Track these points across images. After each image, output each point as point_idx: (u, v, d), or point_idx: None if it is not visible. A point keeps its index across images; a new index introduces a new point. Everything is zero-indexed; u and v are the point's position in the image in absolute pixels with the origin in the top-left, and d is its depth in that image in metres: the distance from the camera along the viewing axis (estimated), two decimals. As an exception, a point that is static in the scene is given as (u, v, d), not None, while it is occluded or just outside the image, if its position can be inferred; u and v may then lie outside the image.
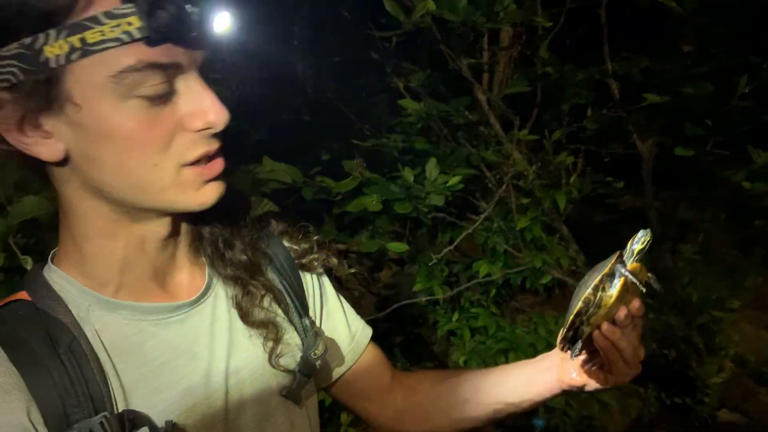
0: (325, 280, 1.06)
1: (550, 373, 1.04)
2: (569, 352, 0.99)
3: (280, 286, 0.95)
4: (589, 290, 0.94)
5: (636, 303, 0.94)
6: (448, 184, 2.28)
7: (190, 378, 0.82)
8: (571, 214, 4.11)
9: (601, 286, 0.94)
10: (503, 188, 2.83)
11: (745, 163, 2.29)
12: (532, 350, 2.94)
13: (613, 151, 3.80)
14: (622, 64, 3.18)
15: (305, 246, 1.00)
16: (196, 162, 0.77)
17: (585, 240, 3.97)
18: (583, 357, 1.01)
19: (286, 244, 1.00)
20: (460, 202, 3.48)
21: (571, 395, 3.00)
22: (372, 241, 2.55)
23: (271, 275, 0.95)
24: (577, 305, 0.94)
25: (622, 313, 0.92)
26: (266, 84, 3.19)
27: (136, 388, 0.78)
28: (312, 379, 0.94)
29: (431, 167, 2.30)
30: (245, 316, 0.89)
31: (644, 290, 0.94)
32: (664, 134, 3.31)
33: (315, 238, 1.02)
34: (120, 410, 0.74)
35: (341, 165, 2.55)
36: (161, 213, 0.80)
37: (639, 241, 0.94)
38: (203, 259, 0.92)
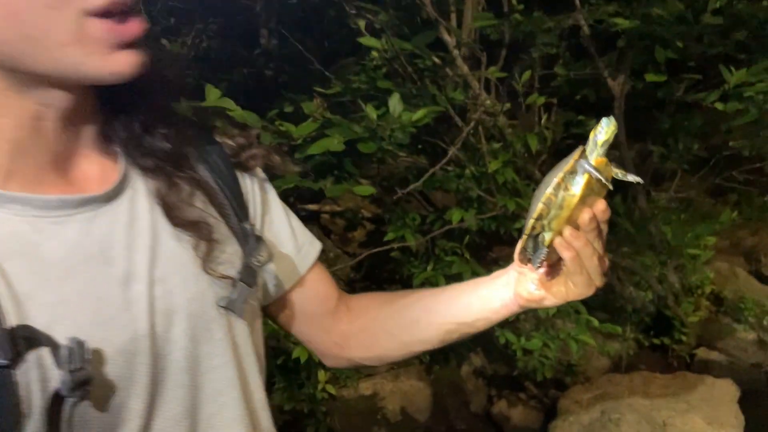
0: (268, 185, 0.95)
1: (507, 289, 0.94)
2: (530, 264, 0.91)
3: (214, 185, 0.83)
4: (550, 190, 0.84)
5: (601, 204, 0.85)
6: (413, 119, 2.18)
7: (104, 287, 0.70)
8: (547, 161, 4.06)
9: (563, 185, 0.85)
10: (470, 127, 2.73)
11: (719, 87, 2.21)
12: (508, 294, 2.88)
13: (585, 94, 3.74)
14: (592, 11, 3.08)
15: (241, 141, 0.89)
16: (106, 15, 0.63)
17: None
18: (543, 269, 0.93)
19: (220, 139, 0.88)
20: (431, 149, 3.39)
21: (548, 337, 2.96)
22: (337, 186, 2.44)
23: (203, 171, 0.83)
24: (538, 207, 0.85)
25: (586, 215, 0.83)
26: (226, 35, 3.04)
27: (33, 298, 0.64)
28: (255, 290, 0.83)
29: (394, 103, 2.19)
30: (172, 215, 0.77)
31: (611, 187, 0.85)
32: (635, 71, 3.23)
33: (255, 132, 0.91)
34: (12, 325, 0.61)
35: (304, 114, 2.43)
36: (61, 82, 0.66)
37: (603, 131, 0.84)
38: (117, 148, 0.78)
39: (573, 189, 0.84)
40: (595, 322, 2.99)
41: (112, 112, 0.77)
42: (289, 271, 0.95)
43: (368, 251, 3.22)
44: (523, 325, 3.06)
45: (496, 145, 3.25)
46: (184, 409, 0.74)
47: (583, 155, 0.86)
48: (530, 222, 0.87)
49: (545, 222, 0.86)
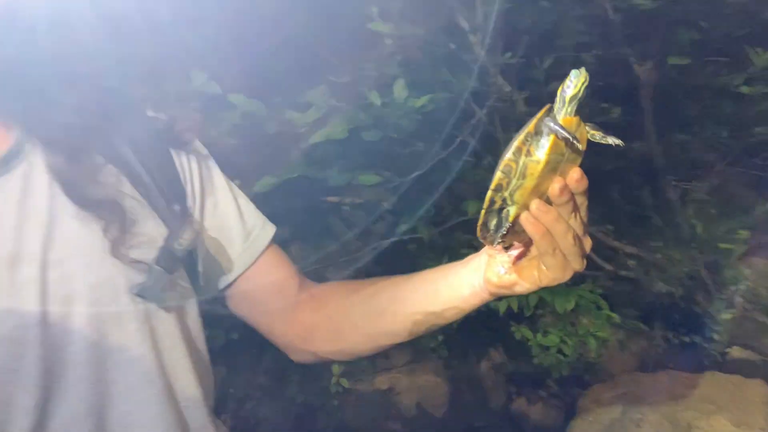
0: (212, 164, 0.89)
1: (477, 275, 0.85)
2: (495, 243, 0.82)
3: (135, 162, 0.77)
4: (509, 155, 0.75)
5: (575, 172, 0.75)
6: (416, 106, 2.09)
7: None
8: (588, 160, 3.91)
9: (525, 149, 0.75)
10: (481, 114, 2.63)
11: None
12: (524, 288, 2.79)
13: (610, 81, 3.58)
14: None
15: (173, 114, 0.83)
16: None
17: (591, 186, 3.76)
18: (517, 251, 0.84)
19: (153, 114, 0.83)
20: (446, 138, 3.29)
21: (566, 333, 2.85)
22: (342, 174, 2.38)
23: (123, 148, 0.77)
24: (496, 176, 0.76)
25: (556, 185, 0.74)
26: (232, 20, 2.99)
27: None
28: (177, 276, 0.76)
29: (399, 88, 2.12)
30: (74, 193, 0.70)
31: (582, 148, 0.76)
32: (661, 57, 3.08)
33: (193, 108, 0.85)
34: None
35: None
36: None
37: (571, 85, 0.74)
38: (13, 118, 0.72)
39: (537, 154, 0.74)
40: (617, 318, 2.87)
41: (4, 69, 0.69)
42: (237, 258, 0.89)
43: (376, 245, 3.16)
44: (540, 320, 2.96)
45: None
46: (88, 407, 0.68)
47: (549, 114, 0.75)
48: (488, 194, 0.78)
49: (506, 194, 0.76)
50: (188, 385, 0.78)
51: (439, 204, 3.34)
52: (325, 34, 2.86)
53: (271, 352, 3.35)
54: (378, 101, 2.16)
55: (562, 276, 0.79)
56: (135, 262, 0.72)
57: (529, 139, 0.76)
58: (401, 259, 3.73)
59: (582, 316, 2.94)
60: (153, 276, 0.73)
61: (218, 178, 0.89)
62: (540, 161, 0.75)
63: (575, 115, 0.75)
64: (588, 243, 0.80)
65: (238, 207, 0.90)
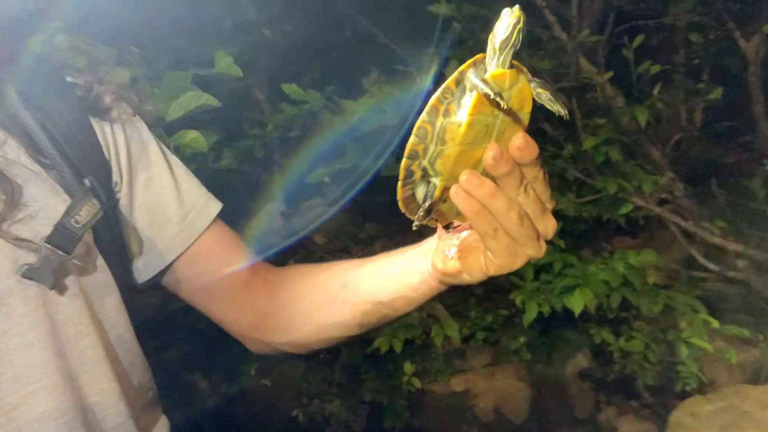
0: (147, 137, 0.82)
1: (427, 259, 0.74)
2: (431, 220, 0.69)
3: (37, 129, 0.70)
4: (424, 116, 0.61)
5: (518, 138, 0.61)
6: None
7: None
8: (685, 148, 3.57)
9: (443, 108, 0.61)
10: (554, 90, 2.42)
11: None
12: (605, 287, 2.55)
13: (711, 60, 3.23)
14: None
15: (88, 78, 0.76)
16: None
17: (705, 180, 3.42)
18: (467, 231, 0.71)
19: (71, 79, 0.77)
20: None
21: (652, 338, 2.58)
22: (395, 166, 2.28)
23: (23, 113, 0.70)
24: (410, 141, 0.63)
25: (489, 152, 0.61)
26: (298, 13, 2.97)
27: None
28: (72, 256, 0.68)
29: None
30: None
31: (520, 108, 0.60)
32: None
33: (109, 69, 0.78)
34: None
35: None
36: None
37: (502, 27, 0.59)
38: None
39: (457, 114, 0.61)
40: (715, 323, 2.56)
41: None
42: (173, 239, 0.82)
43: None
44: (624, 322, 2.70)
45: (600, 121, 2.90)
46: None
47: (476, 65, 0.61)
48: (402, 161, 0.64)
49: (425, 162, 0.63)
50: (101, 378, 0.70)
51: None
52: (381, 18, 2.77)
53: (349, 349, 3.32)
54: (431, 86, 2.03)
55: (512, 263, 0.65)
56: (21, 240, 0.66)
57: (448, 95, 0.61)
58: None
59: (675, 320, 2.65)
60: (42, 256, 0.65)
61: (155, 152, 0.82)
62: (461, 124, 0.61)
63: (511, 67, 0.61)
64: (550, 223, 0.65)
65: (176, 183, 0.83)
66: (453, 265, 0.69)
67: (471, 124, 0.61)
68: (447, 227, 0.72)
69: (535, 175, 0.63)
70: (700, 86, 2.79)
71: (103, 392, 0.71)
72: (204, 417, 2.98)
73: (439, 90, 0.61)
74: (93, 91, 0.76)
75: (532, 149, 0.61)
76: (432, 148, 0.63)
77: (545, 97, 0.62)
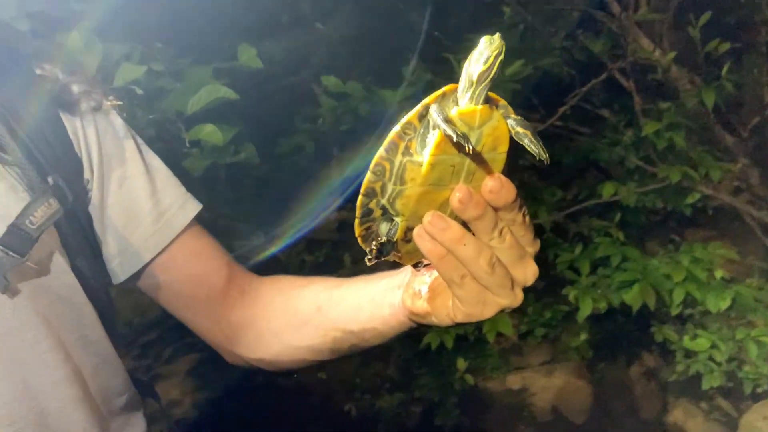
0: (122, 132, 0.79)
1: (398, 293, 0.68)
2: (395, 259, 0.63)
3: None
4: (382, 151, 0.56)
5: (492, 179, 0.55)
6: (508, 73, 1.86)
7: None
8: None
9: (403, 144, 0.55)
10: (598, 80, 2.29)
11: None
12: (666, 282, 2.39)
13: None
14: None
15: (57, 73, 0.74)
16: None
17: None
18: (424, 270, 0.64)
19: (40, 71, 0.74)
20: (579, 113, 2.94)
21: (719, 336, 2.40)
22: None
23: None
24: (366, 177, 0.57)
25: (457, 194, 0.54)
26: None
27: None
28: (27, 258, 0.65)
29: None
30: None
31: (469, 149, 0.52)
32: None
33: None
34: None
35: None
36: None
37: (481, 57, 0.54)
38: None
39: (420, 152, 0.55)
40: (791, 322, 2.35)
41: None
42: (146, 241, 0.78)
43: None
44: (689, 320, 2.53)
45: (663, 105, 2.72)
46: None
47: (444, 98, 0.55)
48: (359, 199, 0.59)
49: (384, 201, 0.58)
50: (60, 383, 0.68)
51: (566, 186, 3.01)
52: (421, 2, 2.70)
53: (402, 344, 3.28)
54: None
55: (481, 312, 0.59)
56: None
57: (409, 131, 0.55)
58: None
59: (744, 317, 2.46)
60: None
61: (130, 149, 0.79)
62: (422, 164, 0.55)
63: (487, 101, 0.55)
64: (530, 270, 0.59)
65: (152, 182, 0.79)
66: (421, 305, 0.64)
67: (434, 165, 0.55)
68: (416, 265, 0.65)
69: (513, 218, 0.57)
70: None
71: (63, 398, 0.68)
72: (260, 407, 3.02)
73: (400, 124, 0.56)
74: (59, 82, 0.74)
75: (508, 192, 0.55)
76: (391, 187, 0.57)
77: (526, 139, 0.56)
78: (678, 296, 2.37)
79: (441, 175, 0.55)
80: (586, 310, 2.41)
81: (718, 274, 2.38)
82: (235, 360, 0.86)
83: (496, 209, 0.55)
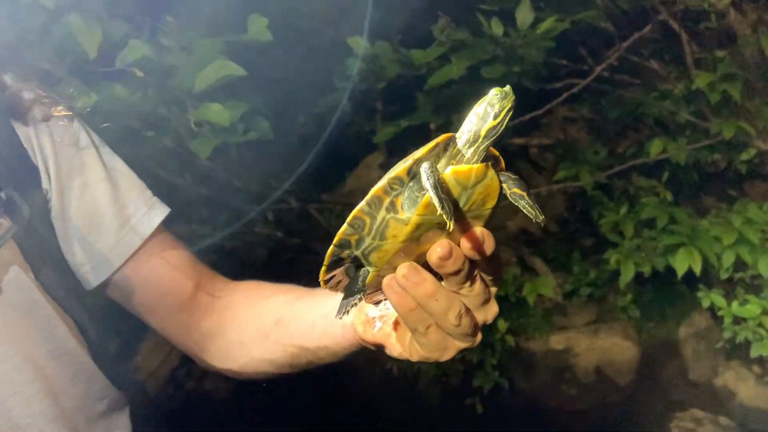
0: (83, 138, 0.76)
1: (351, 314, 0.63)
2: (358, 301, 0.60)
3: None
4: (363, 205, 0.52)
5: (474, 235, 0.52)
6: (539, 30, 1.75)
7: None
8: None
9: (388, 200, 0.52)
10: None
11: None
12: (715, 245, 2.27)
13: None
14: None
15: (20, 85, 0.72)
16: None
17: None
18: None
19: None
20: (627, 64, 2.77)
21: (771, 303, 2.27)
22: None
23: None
24: (341, 230, 0.54)
25: (438, 251, 0.51)
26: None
27: None
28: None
29: (523, 12, 1.78)
30: None
31: (450, 226, 0.49)
32: None
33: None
34: None
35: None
36: None
37: (491, 112, 0.50)
38: None
39: (405, 211, 0.52)
40: None
41: None
42: (110, 250, 0.77)
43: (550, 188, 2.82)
44: (739, 284, 2.41)
45: (719, 53, 2.53)
46: None
47: (437, 151, 0.52)
48: (330, 248, 0.55)
49: (357, 253, 0.55)
50: (30, 399, 0.68)
51: (613, 143, 2.86)
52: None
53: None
54: (500, 30, 1.85)
55: (439, 356, 0.58)
56: None
57: (396, 186, 0.51)
58: (586, 202, 3.31)
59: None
60: None
61: (91, 155, 0.77)
62: (408, 222, 0.51)
63: (486, 159, 0.52)
64: (491, 312, 0.57)
65: (114, 188, 0.77)
66: (373, 336, 0.63)
67: (419, 224, 0.51)
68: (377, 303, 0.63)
69: (487, 265, 0.54)
70: None
71: (34, 414, 0.69)
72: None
73: (387, 178, 0.52)
74: (8, 89, 0.72)
75: (488, 246, 0.52)
76: (368, 241, 0.53)
77: (522, 201, 0.53)
78: (728, 260, 2.26)
79: (424, 232, 0.53)
80: (627, 275, 2.33)
81: (774, 236, 2.25)
82: (206, 367, 0.85)
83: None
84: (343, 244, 0.54)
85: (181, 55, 1.32)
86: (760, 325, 2.20)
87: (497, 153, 0.54)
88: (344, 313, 0.57)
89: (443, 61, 2.05)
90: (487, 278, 0.56)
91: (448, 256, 0.51)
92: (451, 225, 0.48)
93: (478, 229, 0.52)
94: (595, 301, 3.31)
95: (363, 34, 2.21)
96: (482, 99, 0.51)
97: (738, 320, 2.28)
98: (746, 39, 2.47)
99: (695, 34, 2.48)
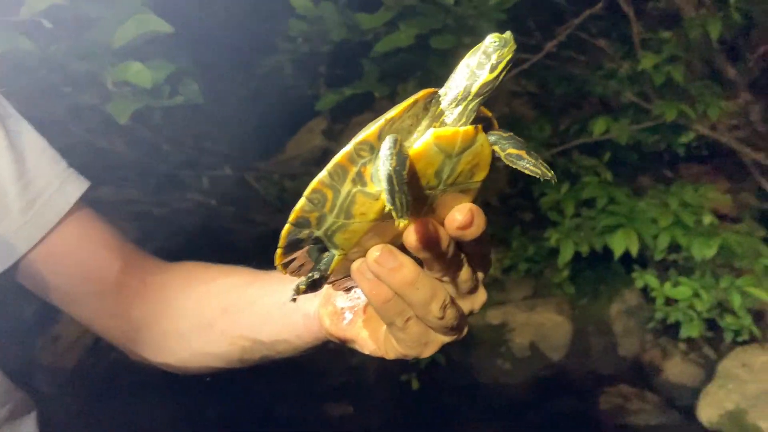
0: None
1: (315, 304, 0.58)
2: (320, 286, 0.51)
3: None
4: (323, 174, 0.44)
5: (461, 211, 0.44)
6: (492, 1, 1.68)
7: None
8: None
9: (354, 170, 0.43)
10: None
11: None
12: (652, 227, 2.29)
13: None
14: None
15: None
16: None
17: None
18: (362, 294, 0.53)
19: None
20: (576, 41, 2.74)
21: (702, 284, 2.32)
22: (415, 92, 2.04)
23: None
24: (298, 203, 0.45)
25: (413, 232, 0.43)
26: None
27: None
28: None
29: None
30: None
31: (402, 223, 0.41)
32: None
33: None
34: None
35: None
36: None
37: (486, 62, 0.43)
38: None
39: (374, 183, 0.43)
40: (778, 270, 2.27)
41: None
42: (16, 232, 0.66)
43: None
44: (673, 266, 2.45)
45: (664, 34, 2.52)
46: None
47: (415, 109, 0.43)
48: (286, 227, 0.47)
49: (319, 233, 0.46)
50: None
51: (558, 118, 2.85)
52: None
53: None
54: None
55: (420, 353, 0.51)
56: None
57: (365, 153, 0.43)
58: (525, 182, 3.31)
59: (730, 264, 2.38)
60: None
61: None
62: (378, 198, 0.43)
63: (476, 121, 0.44)
64: (479, 299, 0.50)
65: (20, 160, 0.66)
66: (342, 331, 0.55)
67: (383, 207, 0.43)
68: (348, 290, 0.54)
69: (474, 251, 0.47)
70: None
71: None
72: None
73: (352, 143, 0.42)
74: None
75: (478, 227, 0.44)
76: (331, 219, 0.45)
77: (522, 161, 0.45)
78: (663, 242, 2.28)
79: (425, 202, 0.45)
80: (566, 254, 2.33)
81: (707, 219, 2.28)
82: (140, 360, 0.76)
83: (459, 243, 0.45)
84: (301, 223, 0.45)
85: (98, 5, 1.18)
86: (691, 306, 2.25)
87: (489, 113, 0.46)
88: (299, 292, 0.48)
89: (391, 28, 1.95)
90: (476, 264, 0.48)
91: (427, 237, 0.43)
92: (400, 223, 0.40)
93: (466, 206, 0.44)
94: (532, 276, 3.33)
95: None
96: (475, 47, 0.44)
97: (670, 301, 2.32)
98: (691, 22, 2.47)
99: (643, 13, 2.46)
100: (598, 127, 2.52)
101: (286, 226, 0.46)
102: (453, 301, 0.48)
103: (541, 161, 0.46)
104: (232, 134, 3.05)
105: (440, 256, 0.45)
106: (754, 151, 2.59)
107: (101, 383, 2.79)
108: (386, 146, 0.42)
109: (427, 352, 0.50)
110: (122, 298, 0.72)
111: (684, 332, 2.31)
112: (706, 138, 2.62)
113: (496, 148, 0.45)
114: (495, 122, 0.46)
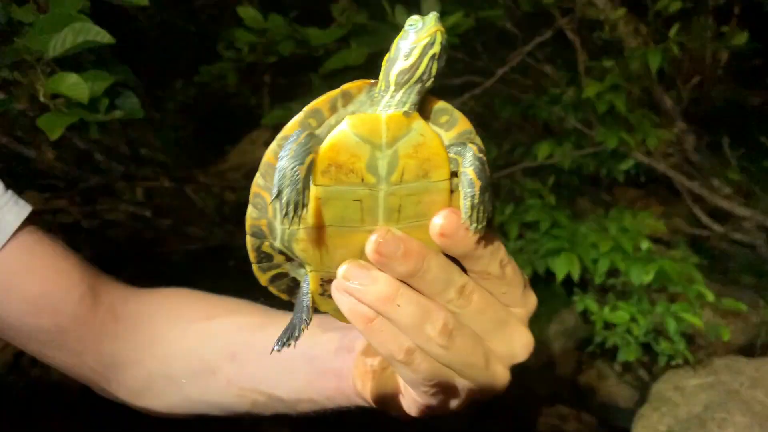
0: None
1: (350, 359, 0.52)
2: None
3: None
4: (257, 177, 0.42)
5: (440, 218, 0.40)
6: (448, 24, 1.66)
7: None
8: (706, 90, 3.25)
9: (306, 167, 0.39)
10: (545, 36, 2.12)
11: None
12: (592, 251, 2.32)
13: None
14: None
15: None
16: None
17: (734, 127, 3.13)
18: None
19: None
20: (522, 65, 2.77)
21: (639, 309, 2.37)
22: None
23: None
24: (247, 212, 0.42)
25: (371, 241, 0.39)
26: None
27: None
28: None
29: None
30: None
31: (288, 221, 0.37)
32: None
33: None
34: None
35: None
36: None
37: (402, 48, 0.39)
38: None
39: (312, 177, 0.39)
40: (710, 296, 2.35)
41: None
42: None
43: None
44: (612, 290, 2.50)
45: (607, 63, 2.58)
46: None
47: (344, 98, 0.41)
48: (247, 239, 0.43)
49: (277, 244, 0.42)
50: None
51: (500, 145, 2.88)
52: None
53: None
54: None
55: (444, 404, 0.43)
56: None
57: (306, 144, 0.39)
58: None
59: (666, 290, 2.44)
60: None
61: None
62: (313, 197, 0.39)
63: (412, 110, 0.39)
64: (518, 339, 0.44)
65: None
66: (378, 391, 0.48)
67: (325, 199, 0.38)
68: None
69: (484, 269, 0.40)
70: (725, 29, 2.45)
71: None
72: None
73: (277, 138, 0.40)
74: None
75: (464, 237, 0.38)
76: (278, 227, 0.40)
77: (469, 191, 0.40)
78: (603, 266, 2.32)
79: (343, 213, 0.39)
80: (510, 277, 2.33)
81: (644, 245, 2.33)
82: (114, 400, 0.67)
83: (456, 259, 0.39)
84: (256, 233, 0.41)
85: (32, 10, 1.09)
86: (628, 331, 2.29)
87: (450, 106, 0.40)
88: (284, 344, 0.42)
89: (342, 45, 1.91)
90: (496, 291, 0.41)
91: (387, 246, 0.38)
92: (289, 225, 0.36)
93: (444, 210, 0.39)
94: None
95: (254, 3, 2.02)
96: (401, 32, 0.40)
97: (608, 325, 2.36)
98: (633, 52, 2.54)
99: (588, 42, 2.51)
100: (542, 151, 2.55)
101: (247, 238, 0.43)
102: (463, 330, 0.41)
103: (487, 210, 0.40)
104: (170, 143, 2.94)
105: (417, 273, 0.39)
106: (689, 179, 2.67)
107: (21, 403, 2.61)
108: (291, 139, 0.38)
109: (455, 403, 0.43)
110: (87, 331, 0.64)
111: (621, 356, 2.35)
112: (643, 164, 2.70)
113: (455, 157, 0.40)
114: (462, 119, 0.41)
